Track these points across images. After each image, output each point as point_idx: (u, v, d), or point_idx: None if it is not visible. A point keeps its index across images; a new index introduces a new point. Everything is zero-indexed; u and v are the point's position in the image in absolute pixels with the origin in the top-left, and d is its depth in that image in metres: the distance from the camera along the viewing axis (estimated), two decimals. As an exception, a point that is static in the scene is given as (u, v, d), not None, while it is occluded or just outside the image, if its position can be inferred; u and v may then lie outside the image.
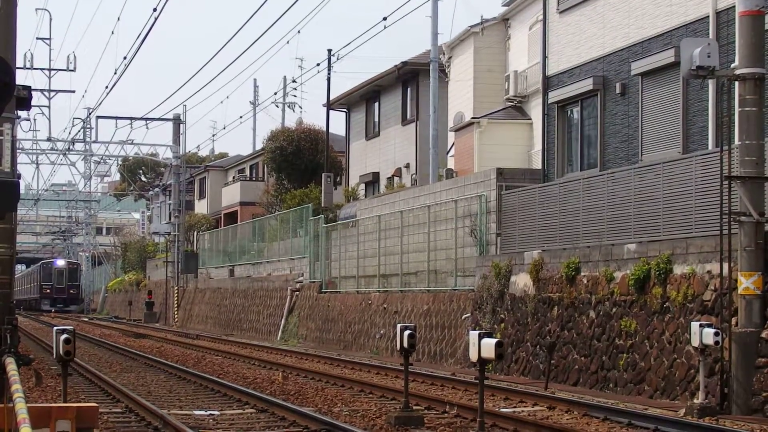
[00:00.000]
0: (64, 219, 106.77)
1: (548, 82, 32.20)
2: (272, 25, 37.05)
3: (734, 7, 20.08)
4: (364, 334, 38.38)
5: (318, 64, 51.54)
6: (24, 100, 13.38)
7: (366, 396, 20.90)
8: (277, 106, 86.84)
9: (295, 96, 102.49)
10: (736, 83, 19.87)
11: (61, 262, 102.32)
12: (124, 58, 42.76)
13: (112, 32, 78.69)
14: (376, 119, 54.07)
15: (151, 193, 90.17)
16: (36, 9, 72.82)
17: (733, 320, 18.76)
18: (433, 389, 21.34)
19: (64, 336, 15.33)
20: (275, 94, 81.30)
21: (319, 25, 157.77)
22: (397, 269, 37.20)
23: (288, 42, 65.21)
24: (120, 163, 79.43)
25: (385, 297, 37.23)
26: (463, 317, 27.80)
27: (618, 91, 28.31)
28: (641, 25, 26.93)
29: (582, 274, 24.61)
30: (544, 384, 22.93)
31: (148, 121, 63.26)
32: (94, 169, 76.66)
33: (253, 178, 75.68)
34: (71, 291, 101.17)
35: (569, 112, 31.55)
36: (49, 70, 55.69)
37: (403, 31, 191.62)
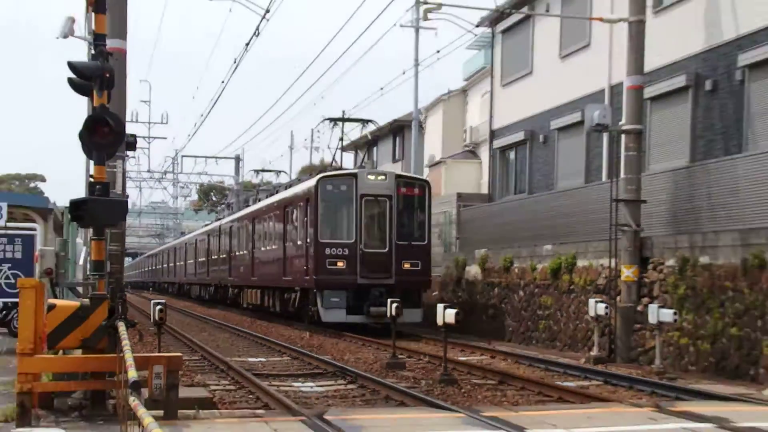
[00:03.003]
0: (159, 226, 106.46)
1: (493, 134, 32.20)
2: (302, 94, 37.57)
3: (622, 83, 20.15)
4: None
5: (336, 121, 51.82)
6: (131, 144, 13.38)
7: (367, 348, 20.94)
8: (306, 149, 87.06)
9: (319, 140, 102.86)
10: (623, 135, 20.06)
11: None
12: (201, 115, 43.11)
13: (193, 97, 78.91)
14: (375, 158, 54.06)
15: (219, 208, 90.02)
16: (140, 80, 72.87)
17: (618, 298, 18.84)
18: (412, 344, 21.36)
19: (159, 306, 15.33)
20: (305, 140, 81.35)
21: (337, 92, 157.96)
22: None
23: (315, 104, 64.98)
24: (198, 187, 79.11)
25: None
26: (433, 294, 27.94)
27: (541, 140, 28.36)
28: (558, 95, 26.94)
29: (514, 265, 24.80)
30: (488, 341, 23.03)
31: (217, 159, 63.40)
32: (179, 192, 76.48)
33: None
34: None
35: (507, 154, 31.56)
36: (149, 123, 55.71)
37: (395, 95, 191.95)
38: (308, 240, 25.76)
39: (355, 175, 25.17)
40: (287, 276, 28.25)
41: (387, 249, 24.75)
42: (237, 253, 38.53)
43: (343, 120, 31.76)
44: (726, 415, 10.69)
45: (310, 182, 26.34)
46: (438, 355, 17.57)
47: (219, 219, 50.56)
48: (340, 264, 24.51)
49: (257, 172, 53.26)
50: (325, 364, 17.32)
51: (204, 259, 48.47)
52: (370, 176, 25.22)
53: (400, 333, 19.78)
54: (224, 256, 41.60)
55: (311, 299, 25.81)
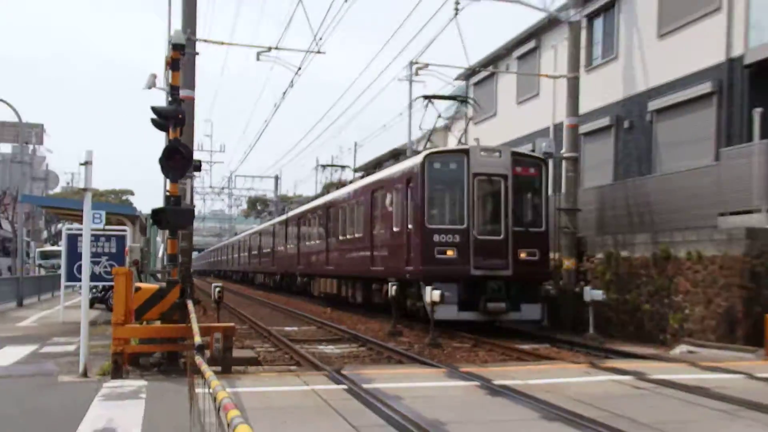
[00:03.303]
0: (217, 228, 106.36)
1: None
2: (327, 128, 37.18)
3: (563, 122, 20.12)
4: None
5: (350, 148, 51.99)
6: (197, 167, 13.33)
7: (374, 320, 20.83)
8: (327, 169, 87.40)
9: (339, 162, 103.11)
10: (564, 161, 20.01)
11: None
12: (249, 145, 43.00)
13: (244, 131, 78.97)
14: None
15: (263, 215, 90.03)
16: (204, 120, 72.94)
17: (561, 282, 18.75)
18: (407, 320, 21.24)
19: (218, 288, 15.28)
20: (329, 166, 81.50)
21: (352, 126, 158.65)
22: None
23: (334, 137, 64.78)
24: (247, 199, 79.19)
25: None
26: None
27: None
28: (515, 131, 26.83)
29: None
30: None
31: (261, 178, 64.15)
32: (233, 202, 76.69)
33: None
34: None
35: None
36: (211, 151, 56.22)
37: (395, 130, 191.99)
38: (410, 226, 17.73)
39: (466, 152, 17.59)
40: (377, 266, 20.17)
41: (503, 236, 17.05)
42: (307, 243, 30.09)
43: (439, 97, 23.32)
44: (642, 369, 10.63)
45: (414, 161, 18.23)
46: (427, 327, 17.37)
47: (281, 214, 42.60)
48: (450, 253, 16.97)
49: (324, 167, 43.91)
50: (342, 332, 17.24)
51: (269, 249, 40.68)
52: (483, 153, 17.60)
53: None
54: (292, 245, 33.24)
55: (413, 293, 17.73)
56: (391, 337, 16.34)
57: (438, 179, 17.27)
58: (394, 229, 18.68)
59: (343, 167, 34.10)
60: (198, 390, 7.84)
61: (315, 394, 8.70)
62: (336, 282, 25.47)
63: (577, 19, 20.14)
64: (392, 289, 17.62)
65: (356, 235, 22.42)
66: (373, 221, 20.73)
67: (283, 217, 37.73)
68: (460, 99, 24.82)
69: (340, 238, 24.36)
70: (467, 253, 16.71)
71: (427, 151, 17.64)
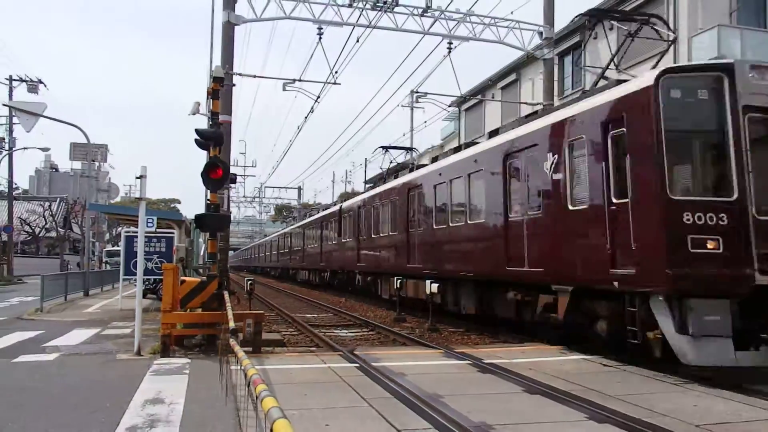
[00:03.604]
0: (249, 231, 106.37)
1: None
2: (340, 148, 36.98)
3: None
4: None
5: (361, 164, 51.88)
6: (233, 180, 13.33)
7: (382, 309, 20.66)
8: (342, 181, 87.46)
9: (352, 175, 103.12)
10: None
11: None
12: (277, 161, 42.98)
13: (272, 150, 79.00)
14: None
15: (288, 219, 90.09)
16: (239, 140, 73.14)
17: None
18: (409, 309, 21.08)
19: (250, 281, 15.18)
20: (341, 177, 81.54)
21: (362, 146, 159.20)
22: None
23: (347, 154, 64.88)
24: (274, 206, 79.33)
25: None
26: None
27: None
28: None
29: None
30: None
31: (287, 189, 64.18)
32: (263, 209, 76.81)
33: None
34: None
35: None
36: (244, 167, 56.06)
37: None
38: (619, 200, 8.59)
39: (727, 70, 8.02)
40: (514, 264, 11.24)
41: None
42: (372, 236, 21.26)
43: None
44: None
45: (625, 89, 8.79)
46: (426, 315, 17.12)
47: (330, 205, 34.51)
48: (712, 245, 7.60)
49: (385, 149, 38.63)
50: (354, 318, 17.08)
51: (316, 244, 31.23)
52: (755, 73, 8.07)
53: (403, 297, 16.04)
54: (348, 240, 24.67)
55: (641, 315, 8.32)
56: (396, 323, 16.18)
57: (680, 117, 8.09)
58: (574, 206, 9.68)
59: (409, 149, 27.24)
60: (232, 367, 7.75)
61: (331, 371, 8.59)
62: (415, 284, 16.49)
63: (551, 57, 20.04)
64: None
65: (480, 220, 12.97)
66: (508, 200, 11.73)
67: (334, 208, 28.49)
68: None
69: (436, 227, 15.43)
70: (743, 246, 7.74)
71: (662, 68, 8.28)
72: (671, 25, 18.00)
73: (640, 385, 7.81)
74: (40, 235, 54.53)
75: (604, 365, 9.16)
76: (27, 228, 52.47)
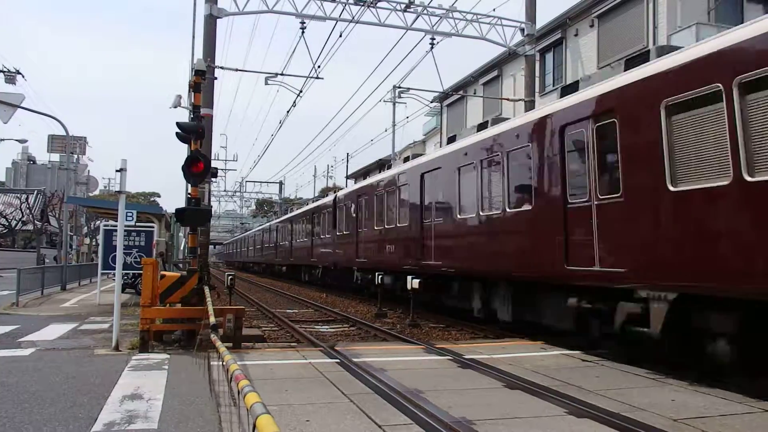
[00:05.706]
0: (230, 225, 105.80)
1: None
2: (322, 143, 36.90)
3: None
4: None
5: (343, 160, 51.67)
6: (214, 174, 13.26)
7: (362, 305, 20.65)
8: (323, 176, 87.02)
9: (333, 171, 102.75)
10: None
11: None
12: (258, 155, 42.68)
13: (253, 144, 78.53)
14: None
15: (269, 214, 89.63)
16: (220, 133, 72.56)
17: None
18: (391, 303, 21.10)
19: (230, 276, 15.06)
20: (323, 172, 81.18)
21: (345, 140, 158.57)
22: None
23: (329, 149, 64.62)
24: (255, 201, 78.86)
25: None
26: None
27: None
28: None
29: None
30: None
31: (267, 183, 63.68)
32: (244, 204, 76.31)
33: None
34: None
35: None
36: (225, 161, 55.86)
37: (380, 144, 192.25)
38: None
39: None
40: (577, 263, 8.81)
41: None
42: (376, 229, 18.71)
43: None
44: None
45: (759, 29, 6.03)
46: (407, 309, 17.16)
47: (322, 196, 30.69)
48: None
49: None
50: (335, 314, 17.04)
51: (306, 239, 29.05)
52: None
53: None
54: (345, 234, 22.17)
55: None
56: (377, 319, 16.17)
57: None
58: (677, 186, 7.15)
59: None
60: (212, 362, 7.68)
61: (312, 367, 8.55)
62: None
63: (532, 53, 20.11)
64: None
65: (514, 209, 10.83)
66: (567, 181, 9.30)
67: (328, 198, 25.98)
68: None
69: (460, 217, 12.93)
70: None
71: None
72: (651, 23, 18.17)
73: (619, 380, 7.89)
74: (17, 228, 53.71)
75: (583, 360, 9.23)
76: (3, 221, 51.66)
